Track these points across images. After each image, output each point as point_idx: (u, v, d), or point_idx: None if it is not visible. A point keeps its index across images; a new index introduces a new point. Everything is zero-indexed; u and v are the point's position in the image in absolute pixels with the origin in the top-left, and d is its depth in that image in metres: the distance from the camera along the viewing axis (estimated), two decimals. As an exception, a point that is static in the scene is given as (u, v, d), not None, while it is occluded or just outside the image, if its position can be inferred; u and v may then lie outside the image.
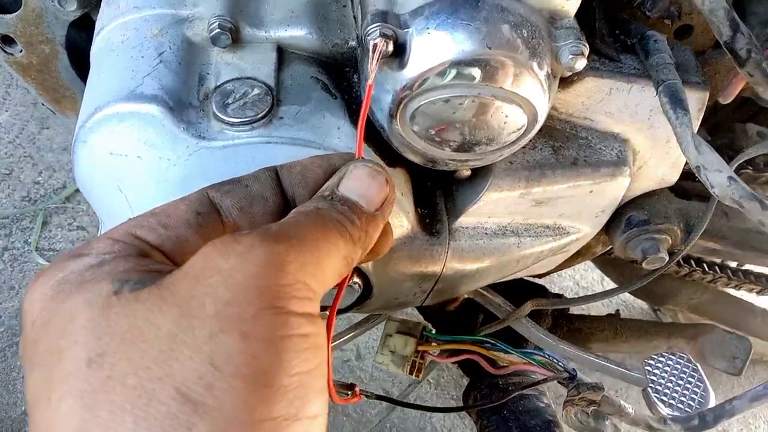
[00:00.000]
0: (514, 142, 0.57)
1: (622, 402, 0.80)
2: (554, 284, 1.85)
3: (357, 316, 0.87)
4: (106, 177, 0.55)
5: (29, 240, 1.59)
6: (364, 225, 0.40)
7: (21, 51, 0.77)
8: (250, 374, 0.31)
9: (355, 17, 0.61)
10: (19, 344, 0.37)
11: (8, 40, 0.76)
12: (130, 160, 0.54)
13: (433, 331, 0.82)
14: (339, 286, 0.43)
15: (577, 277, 1.87)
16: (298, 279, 0.34)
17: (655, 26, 0.69)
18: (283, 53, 0.59)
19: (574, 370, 0.78)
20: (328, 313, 0.42)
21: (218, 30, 0.55)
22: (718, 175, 0.57)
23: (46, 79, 0.81)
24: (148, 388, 0.30)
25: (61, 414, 0.30)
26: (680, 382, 0.77)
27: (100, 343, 0.31)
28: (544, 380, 0.76)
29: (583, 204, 0.71)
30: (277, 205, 0.42)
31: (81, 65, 0.80)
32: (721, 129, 0.94)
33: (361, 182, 0.41)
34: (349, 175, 0.42)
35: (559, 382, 0.78)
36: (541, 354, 0.74)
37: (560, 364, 0.75)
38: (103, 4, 0.63)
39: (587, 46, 0.52)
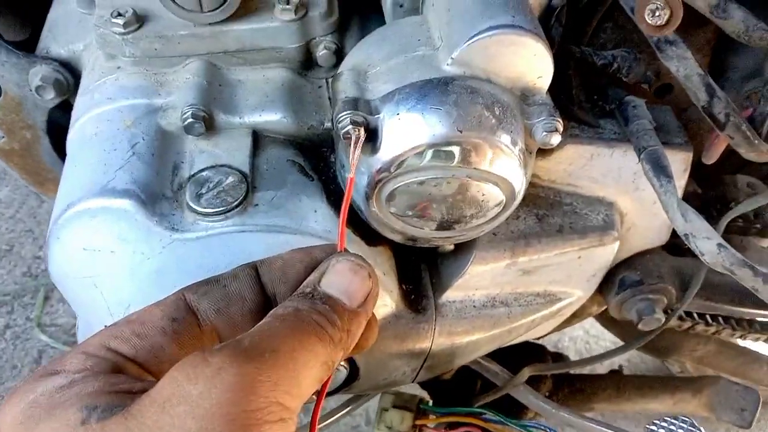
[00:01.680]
0: (493, 218, 0.56)
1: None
2: (565, 333, 1.81)
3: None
4: (80, 272, 0.54)
5: (31, 316, 1.57)
6: (346, 324, 0.39)
7: (2, 137, 0.77)
8: None
9: (330, 98, 0.61)
10: None
11: (-11, 128, 0.77)
12: (104, 255, 0.53)
13: (430, 403, 0.80)
14: (321, 389, 0.41)
15: (587, 325, 1.83)
16: (271, 401, 0.33)
17: (634, 90, 0.69)
18: (258, 138, 0.58)
19: None
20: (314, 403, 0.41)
21: (191, 119, 0.55)
22: (707, 243, 0.56)
23: (29, 164, 0.81)
24: None
25: None
26: (684, 448, 0.74)
27: None
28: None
29: (572, 269, 0.70)
30: (257, 304, 0.41)
31: (63, 147, 0.80)
32: (711, 181, 0.93)
33: (343, 277, 0.41)
34: (331, 270, 0.41)
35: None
36: (541, 427, 0.72)
37: None
38: (78, 95, 0.63)
39: (561, 121, 0.52)
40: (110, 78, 0.60)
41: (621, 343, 1.07)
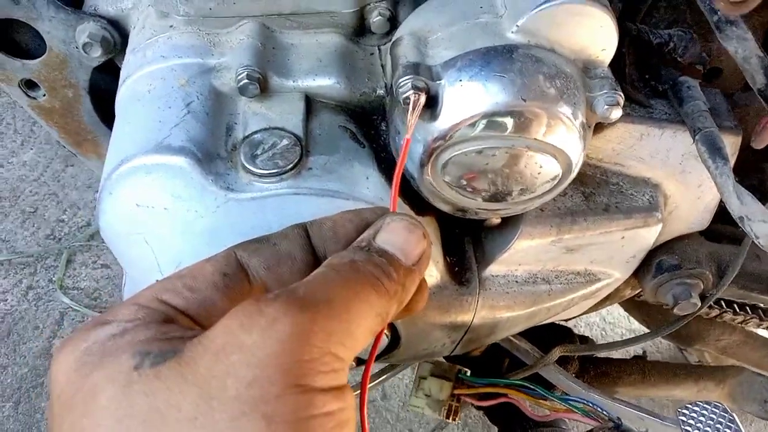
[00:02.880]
0: (547, 192, 0.56)
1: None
2: (581, 319, 1.82)
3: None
4: (131, 229, 0.54)
5: (53, 279, 1.59)
6: (401, 278, 0.39)
7: (44, 95, 0.77)
8: None
9: (383, 65, 0.60)
10: (47, 411, 0.36)
11: (31, 85, 0.76)
12: (157, 212, 0.53)
13: (468, 374, 0.80)
14: (374, 343, 0.41)
15: (603, 312, 1.84)
16: (325, 351, 0.33)
17: (686, 71, 0.68)
18: (310, 102, 0.58)
19: (618, 418, 0.75)
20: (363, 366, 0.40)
21: (246, 80, 0.55)
22: (762, 226, 0.56)
23: (68, 123, 0.81)
24: None
25: None
26: (716, 433, 0.74)
27: (122, 426, 0.30)
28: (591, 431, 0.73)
29: (614, 250, 0.70)
30: (306, 264, 0.41)
31: (103, 109, 0.80)
32: (750, 169, 0.93)
33: (398, 235, 0.40)
34: (386, 228, 0.41)
35: (603, 432, 0.75)
36: (583, 401, 0.72)
37: (604, 412, 0.72)
38: (128, 53, 0.63)
39: (622, 95, 0.51)
40: (163, 36, 0.60)
41: (638, 330, 1.06)
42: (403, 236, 0.40)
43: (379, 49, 0.62)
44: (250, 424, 0.30)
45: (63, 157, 1.70)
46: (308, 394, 0.31)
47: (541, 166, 0.52)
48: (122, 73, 0.62)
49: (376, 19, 0.61)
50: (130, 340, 0.34)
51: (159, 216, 0.53)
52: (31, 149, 1.75)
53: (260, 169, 0.52)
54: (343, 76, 0.59)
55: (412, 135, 0.48)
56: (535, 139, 0.50)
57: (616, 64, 0.65)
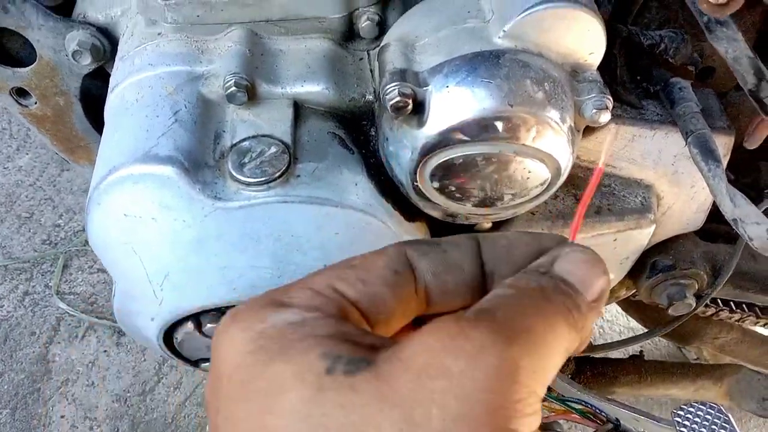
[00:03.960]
0: (537, 197, 0.55)
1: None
2: (578, 317, 1.81)
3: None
4: (120, 238, 0.54)
5: (50, 284, 1.58)
6: (586, 313, 0.35)
7: (35, 103, 0.77)
8: None
9: (371, 71, 0.60)
10: (207, 387, 0.35)
11: (23, 93, 0.76)
12: (145, 221, 0.53)
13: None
14: None
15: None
16: (531, 391, 0.30)
17: (678, 71, 0.68)
18: (299, 109, 0.58)
19: (617, 419, 0.75)
20: None
21: (234, 88, 0.54)
22: (756, 228, 0.55)
23: (60, 130, 0.81)
24: None
25: None
26: (712, 434, 0.74)
27: None
28: (591, 435, 0.73)
29: (607, 252, 0.70)
30: (473, 277, 0.38)
31: (96, 115, 0.80)
32: (745, 167, 0.92)
33: (578, 267, 0.36)
34: (566, 258, 0.36)
35: (602, 434, 0.75)
36: (581, 402, 0.71)
37: (603, 413, 0.72)
38: (117, 60, 0.62)
39: (611, 99, 0.51)
40: (151, 44, 0.60)
41: (636, 327, 1.06)
42: (584, 269, 0.36)
43: (369, 54, 0.62)
44: None
45: (59, 162, 1.70)
46: None
47: (529, 171, 0.52)
48: (111, 81, 0.62)
49: (364, 24, 0.60)
50: (313, 334, 0.31)
51: (147, 226, 0.53)
52: (27, 154, 1.75)
53: (248, 177, 0.52)
54: (332, 81, 0.58)
55: (394, 138, 0.48)
56: (523, 144, 0.50)
57: (607, 66, 0.65)
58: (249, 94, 0.55)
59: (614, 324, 1.84)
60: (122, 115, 0.57)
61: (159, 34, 0.60)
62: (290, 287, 0.35)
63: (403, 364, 0.30)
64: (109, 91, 0.61)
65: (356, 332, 0.33)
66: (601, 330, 1.81)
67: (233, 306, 0.56)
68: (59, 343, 1.50)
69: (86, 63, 0.69)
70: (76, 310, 1.53)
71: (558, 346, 0.32)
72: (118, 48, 0.65)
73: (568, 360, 0.96)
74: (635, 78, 0.67)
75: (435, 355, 0.29)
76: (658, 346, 1.76)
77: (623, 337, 1.19)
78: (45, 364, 1.48)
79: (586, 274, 0.35)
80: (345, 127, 0.59)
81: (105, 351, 1.49)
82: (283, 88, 0.57)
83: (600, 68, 0.57)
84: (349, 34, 0.62)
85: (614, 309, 1.85)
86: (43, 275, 1.59)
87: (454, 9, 0.53)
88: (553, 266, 0.36)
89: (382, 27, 0.61)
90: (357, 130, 0.60)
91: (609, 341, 1.32)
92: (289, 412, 0.29)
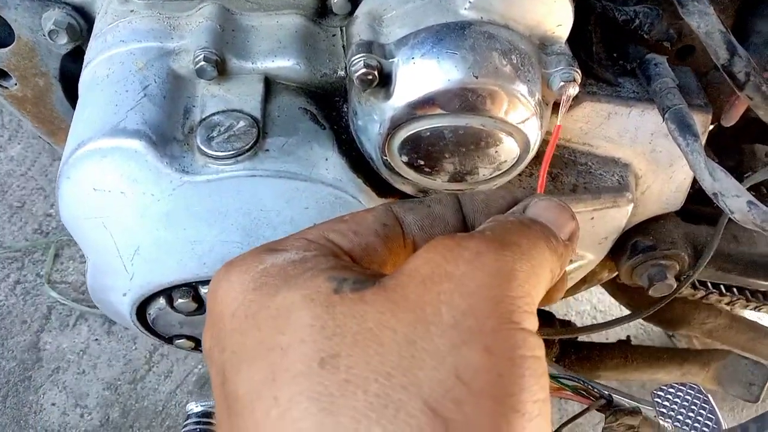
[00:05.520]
0: (507, 171, 0.55)
1: (662, 422, 0.77)
2: (571, 308, 1.81)
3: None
4: (89, 213, 0.54)
5: (41, 273, 1.59)
6: (562, 244, 0.38)
7: (15, 84, 0.77)
8: (499, 395, 0.29)
9: (344, 46, 0.60)
10: (205, 336, 0.35)
11: (3, 74, 0.76)
12: (114, 195, 0.53)
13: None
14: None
15: (594, 300, 1.83)
16: (527, 291, 0.32)
17: (655, 48, 0.67)
18: (270, 84, 0.58)
19: (609, 395, 0.75)
20: None
21: (203, 62, 0.54)
22: (736, 201, 0.55)
23: (41, 112, 0.81)
24: (393, 398, 0.28)
25: (292, 416, 0.28)
26: (691, 414, 0.74)
27: (332, 344, 0.29)
28: (586, 410, 0.73)
29: (584, 231, 0.69)
30: (457, 229, 0.41)
31: (75, 96, 0.80)
32: (729, 150, 0.92)
33: (549, 211, 0.39)
34: (535, 205, 0.40)
35: (596, 410, 0.74)
36: (574, 378, 0.71)
37: (596, 389, 0.71)
38: (91, 38, 0.62)
39: (579, 72, 0.51)
40: (123, 21, 0.60)
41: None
42: (554, 213, 0.39)
43: (342, 30, 0.61)
44: (472, 354, 0.29)
45: (50, 152, 1.70)
46: (522, 333, 0.30)
47: (497, 145, 0.52)
48: (85, 59, 0.62)
49: None
50: (316, 265, 0.32)
51: (116, 200, 0.53)
52: (19, 144, 1.75)
53: (216, 151, 0.52)
54: (304, 57, 0.58)
55: (363, 112, 0.47)
56: (490, 116, 0.50)
57: (582, 43, 0.64)
58: (219, 69, 0.55)
59: (608, 315, 1.84)
60: (93, 90, 0.57)
61: (131, 11, 0.60)
62: (284, 239, 0.36)
63: (407, 277, 0.31)
64: (83, 67, 0.61)
65: (357, 266, 0.34)
66: (594, 320, 1.81)
67: (204, 281, 0.57)
68: (50, 331, 1.51)
69: (63, 42, 0.68)
70: (68, 298, 1.54)
71: (543, 262, 0.35)
72: (94, 27, 0.65)
73: (553, 343, 0.96)
74: (612, 55, 0.67)
75: (437, 265, 0.31)
76: (651, 336, 1.76)
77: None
78: (36, 353, 1.48)
79: (556, 217, 0.39)
80: (317, 102, 0.59)
81: (96, 339, 1.50)
82: (254, 63, 0.57)
83: (575, 45, 0.57)
84: (322, 9, 0.61)
85: (608, 300, 1.85)
86: (34, 264, 1.59)
87: (422, -18, 0.53)
88: (525, 212, 0.39)
89: (354, 2, 0.60)
90: (329, 105, 0.60)
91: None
92: (305, 329, 0.30)
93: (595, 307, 1.85)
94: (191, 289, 0.56)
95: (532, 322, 0.32)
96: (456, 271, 0.31)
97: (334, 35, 0.61)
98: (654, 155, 0.68)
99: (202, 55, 0.54)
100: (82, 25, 0.67)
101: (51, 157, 1.71)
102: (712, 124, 0.69)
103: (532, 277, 0.33)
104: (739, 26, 0.75)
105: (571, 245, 0.39)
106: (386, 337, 0.29)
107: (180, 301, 0.56)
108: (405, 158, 0.53)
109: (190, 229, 0.53)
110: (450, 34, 0.49)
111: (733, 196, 0.56)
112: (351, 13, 0.60)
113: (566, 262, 0.39)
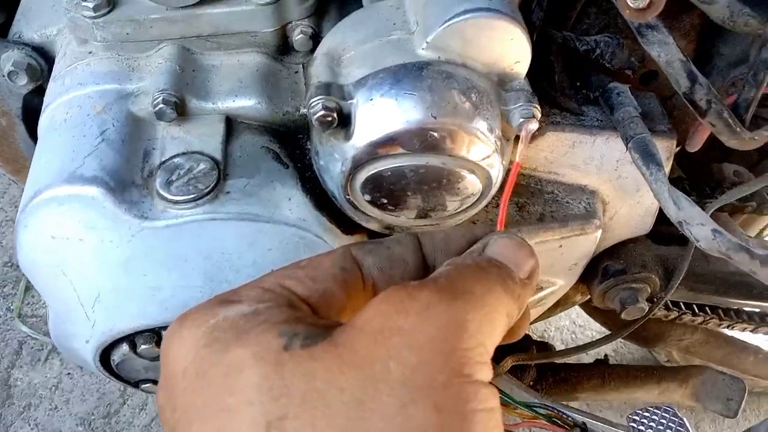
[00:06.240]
0: (471, 206, 0.55)
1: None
2: (551, 323, 1.81)
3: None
4: (49, 261, 0.53)
5: (11, 307, 1.56)
6: (519, 286, 0.37)
7: (-23, 124, 0.76)
8: None
9: (306, 84, 0.59)
10: (158, 394, 0.34)
11: (-35, 114, 0.75)
12: (72, 243, 0.52)
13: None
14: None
15: (573, 315, 1.84)
16: (479, 341, 0.32)
17: (618, 76, 0.68)
18: (232, 124, 0.57)
19: (583, 423, 0.74)
20: None
21: (162, 105, 0.54)
22: (701, 229, 0.55)
23: (5, 151, 0.80)
24: None
25: None
26: (666, 438, 0.74)
27: (279, 405, 0.29)
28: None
29: (553, 258, 0.69)
30: (417, 270, 0.40)
31: (40, 135, 0.79)
32: (698, 169, 0.93)
33: (508, 249, 0.39)
34: (495, 243, 0.39)
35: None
36: (547, 406, 0.71)
37: (570, 417, 0.71)
38: (50, 81, 0.62)
39: (538, 107, 0.51)
40: (82, 63, 0.59)
41: (607, 332, 1.06)
42: (513, 251, 0.39)
43: (304, 67, 0.61)
44: (421, 413, 0.29)
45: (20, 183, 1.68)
46: (475, 385, 0.30)
47: (460, 182, 0.52)
48: (44, 101, 0.61)
49: (298, 37, 0.60)
50: (267, 319, 0.32)
51: (75, 247, 0.52)
52: (-13, 175, 1.73)
53: (175, 195, 0.51)
54: (265, 96, 0.58)
55: (325, 152, 0.47)
56: (450, 155, 0.50)
57: (545, 73, 0.65)
58: (178, 110, 0.55)
59: (587, 329, 1.84)
60: (51, 135, 0.56)
61: (90, 53, 0.59)
62: (238, 288, 0.36)
63: (358, 330, 0.31)
64: (42, 111, 0.60)
65: (311, 317, 0.34)
66: (573, 335, 1.82)
67: (166, 327, 0.56)
68: (21, 367, 1.48)
69: (23, 83, 0.68)
70: (39, 332, 1.51)
71: (499, 307, 0.34)
72: (53, 68, 0.64)
73: (529, 367, 0.96)
74: (575, 84, 0.67)
75: (387, 318, 0.31)
76: (631, 350, 1.77)
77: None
78: (7, 389, 1.45)
79: (515, 255, 0.38)
80: (280, 141, 0.58)
81: (68, 373, 1.47)
82: (214, 103, 0.57)
83: (538, 75, 0.57)
84: (283, 47, 0.61)
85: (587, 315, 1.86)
86: (4, 298, 1.56)
87: (380, 21, 0.53)
88: (484, 251, 0.39)
89: (316, 39, 0.60)
90: (293, 143, 0.59)
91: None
92: (250, 388, 0.29)
93: (574, 322, 1.85)
94: (154, 334, 0.55)
95: (485, 373, 0.31)
96: (405, 325, 0.31)
97: (296, 72, 0.61)
98: (620, 182, 0.68)
99: (161, 98, 0.54)
100: (43, 65, 0.67)
101: (21, 189, 1.69)
102: (677, 146, 0.70)
103: (485, 326, 0.32)
104: (702, 50, 0.75)
105: (531, 283, 0.39)
106: (333, 397, 0.29)
107: (143, 347, 0.55)
108: (368, 197, 0.53)
109: (150, 275, 0.53)
110: (408, 75, 0.48)
111: (697, 224, 0.57)
112: (313, 50, 0.60)
113: (525, 302, 0.39)
